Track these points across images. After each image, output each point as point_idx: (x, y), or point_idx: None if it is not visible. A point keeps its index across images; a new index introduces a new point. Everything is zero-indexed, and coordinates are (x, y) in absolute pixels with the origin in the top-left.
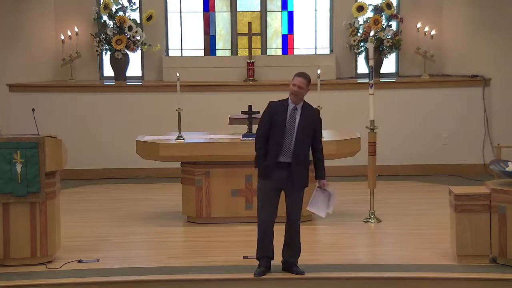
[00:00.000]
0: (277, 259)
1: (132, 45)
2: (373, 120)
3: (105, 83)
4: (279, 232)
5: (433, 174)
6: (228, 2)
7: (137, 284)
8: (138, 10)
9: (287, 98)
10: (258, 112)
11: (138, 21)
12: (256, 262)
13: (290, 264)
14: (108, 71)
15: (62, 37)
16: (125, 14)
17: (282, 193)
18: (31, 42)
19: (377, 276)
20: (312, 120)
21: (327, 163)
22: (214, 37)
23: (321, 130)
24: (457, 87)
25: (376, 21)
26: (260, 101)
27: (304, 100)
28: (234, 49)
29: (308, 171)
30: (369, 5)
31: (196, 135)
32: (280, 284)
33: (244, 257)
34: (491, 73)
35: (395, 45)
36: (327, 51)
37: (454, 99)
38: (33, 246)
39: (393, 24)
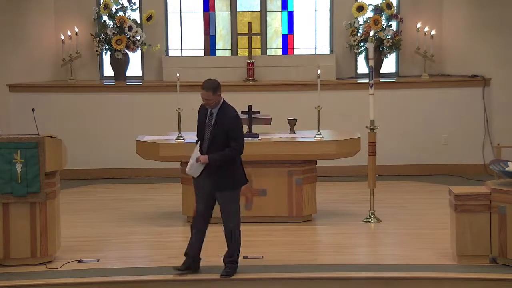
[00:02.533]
0: (272, 259)
1: (132, 45)
2: (373, 120)
3: (105, 83)
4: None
5: (433, 174)
6: (228, 2)
7: (137, 284)
8: (138, 10)
9: None
10: (258, 112)
11: (138, 21)
12: (258, 262)
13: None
14: (108, 71)
15: (62, 37)
16: (125, 14)
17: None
18: (31, 42)
19: (377, 276)
20: (225, 123)
21: (327, 163)
22: (214, 37)
23: (235, 130)
24: (457, 87)
25: (376, 21)
26: (260, 101)
27: (223, 102)
28: (234, 49)
29: (232, 173)
30: (369, 5)
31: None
32: (280, 284)
33: (244, 257)
34: (491, 73)
35: (395, 45)
36: (327, 51)
37: (454, 99)
38: (33, 246)
39: (393, 24)
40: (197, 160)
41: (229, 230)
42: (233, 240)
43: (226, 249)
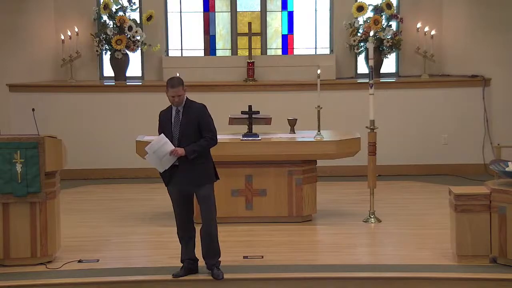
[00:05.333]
0: (272, 259)
1: (132, 45)
2: (373, 120)
3: (105, 83)
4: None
5: (433, 174)
6: (228, 2)
7: (137, 284)
8: (138, 10)
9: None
10: (258, 112)
11: (138, 21)
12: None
13: (209, 266)
14: (108, 71)
15: (62, 37)
16: (125, 14)
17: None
18: (31, 42)
19: (377, 276)
20: (195, 116)
21: (327, 163)
22: (214, 37)
23: (207, 118)
24: (457, 87)
25: (376, 21)
26: (260, 101)
27: (187, 98)
28: (234, 49)
29: (208, 167)
30: (369, 5)
31: None
32: (280, 284)
33: (244, 257)
34: (491, 73)
35: (395, 45)
36: (327, 51)
37: (454, 99)
38: (33, 246)
39: (393, 24)
40: (172, 152)
41: (209, 229)
42: (214, 239)
43: (205, 249)
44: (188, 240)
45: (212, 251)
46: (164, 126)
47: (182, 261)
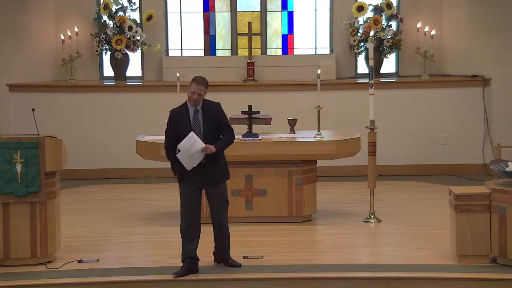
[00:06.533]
0: (272, 259)
1: (132, 45)
2: (373, 120)
3: (105, 83)
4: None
5: (433, 174)
6: (228, 2)
7: (137, 284)
8: (138, 10)
9: (185, 102)
10: (258, 112)
11: (138, 21)
12: (258, 262)
13: (225, 259)
14: (108, 71)
15: (62, 37)
16: (125, 14)
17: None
18: (31, 42)
19: (377, 276)
20: (214, 115)
21: (327, 163)
22: (214, 37)
23: (225, 119)
24: (457, 87)
25: (376, 21)
26: (260, 101)
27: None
28: (234, 49)
29: (225, 165)
30: (369, 5)
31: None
32: (280, 284)
33: (244, 257)
34: (491, 73)
35: (395, 45)
36: (327, 51)
37: (454, 99)
38: (33, 246)
39: (393, 24)
40: (204, 149)
41: (225, 224)
42: (228, 234)
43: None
44: (193, 238)
45: (227, 245)
46: (180, 125)
47: (183, 261)
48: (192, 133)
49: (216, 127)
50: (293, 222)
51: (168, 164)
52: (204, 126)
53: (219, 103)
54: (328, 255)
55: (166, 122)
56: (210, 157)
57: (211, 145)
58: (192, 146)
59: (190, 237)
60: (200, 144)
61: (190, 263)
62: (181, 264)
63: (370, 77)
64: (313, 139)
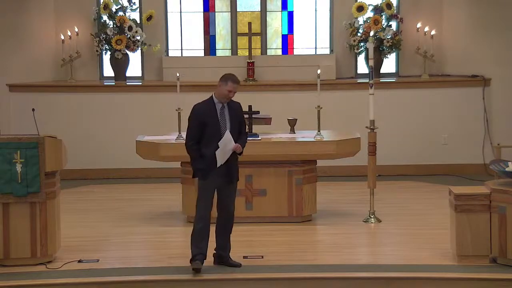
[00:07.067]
0: (272, 259)
1: (132, 45)
2: (373, 120)
3: (105, 83)
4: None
5: (433, 174)
6: (228, 2)
7: (137, 284)
8: (138, 10)
9: (210, 98)
10: (258, 112)
11: (138, 21)
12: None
13: (226, 259)
14: (108, 71)
15: (62, 37)
16: (125, 14)
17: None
18: (31, 42)
19: (377, 276)
20: (237, 113)
21: (327, 163)
22: (214, 37)
23: (244, 120)
24: (457, 87)
25: (376, 21)
26: (260, 101)
27: None
28: (234, 49)
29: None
30: (369, 5)
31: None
32: (280, 284)
33: (244, 257)
34: (491, 73)
35: (395, 45)
36: (327, 51)
37: (454, 99)
38: (33, 246)
39: (393, 24)
40: (235, 148)
41: (232, 221)
42: (232, 220)
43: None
44: (207, 232)
45: (229, 243)
46: (208, 120)
47: (193, 258)
48: (227, 131)
49: (238, 125)
50: (293, 222)
51: (168, 164)
52: (231, 123)
53: (240, 103)
54: (328, 255)
55: (188, 117)
56: (233, 155)
57: (238, 144)
58: (229, 144)
59: (205, 232)
60: (233, 142)
61: (202, 258)
62: (182, 264)
63: (370, 77)
64: (313, 139)
